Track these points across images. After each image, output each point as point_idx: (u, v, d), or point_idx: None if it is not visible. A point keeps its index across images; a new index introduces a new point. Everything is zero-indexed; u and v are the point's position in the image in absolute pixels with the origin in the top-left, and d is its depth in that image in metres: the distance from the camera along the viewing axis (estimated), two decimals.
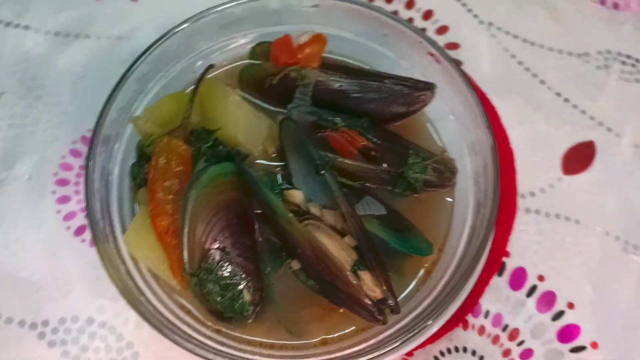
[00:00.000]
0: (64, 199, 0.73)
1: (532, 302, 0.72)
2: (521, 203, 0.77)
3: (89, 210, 0.55)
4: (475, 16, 0.88)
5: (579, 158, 0.82)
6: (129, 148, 0.63)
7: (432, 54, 0.64)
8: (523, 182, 0.79)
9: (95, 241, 0.54)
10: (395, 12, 0.87)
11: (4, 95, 0.78)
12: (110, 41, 0.82)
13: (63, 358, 0.64)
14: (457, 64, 0.67)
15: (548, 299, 0.72)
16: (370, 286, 0.53)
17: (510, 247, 0.74)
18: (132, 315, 0.64)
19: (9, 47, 0.81)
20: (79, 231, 0.71)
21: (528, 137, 0.81)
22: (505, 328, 0.70)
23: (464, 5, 0.89)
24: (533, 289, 0.73)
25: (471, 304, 0.69)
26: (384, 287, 0.54)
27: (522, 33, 0.87)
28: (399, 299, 0.59)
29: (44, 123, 0.76)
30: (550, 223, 0.77)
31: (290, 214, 0.54)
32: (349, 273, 0.53)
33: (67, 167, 0.75)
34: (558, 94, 0.85)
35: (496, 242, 0.70)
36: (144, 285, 0.55)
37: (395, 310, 0.54)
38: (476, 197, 0.62)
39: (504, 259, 0.74)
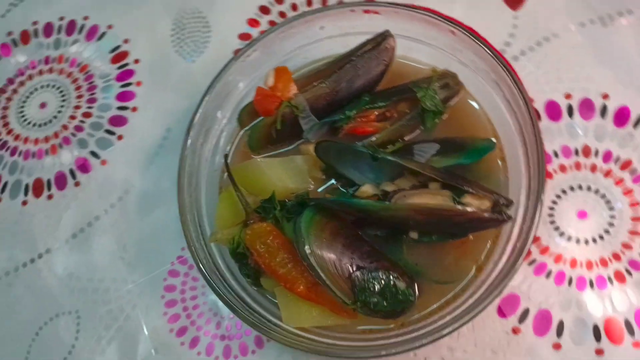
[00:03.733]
0: (195, 341, 0.77)
1: (577, 118, 0.79)
2: (507, 56, 0.84)
3: (251, 324, 0.61)
4: None
5: None
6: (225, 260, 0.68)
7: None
8: (492, 39, 0.85)
9: (272, 338, 0.60)
10: None
11: (80, 312, 0.82)
12: (117, 207, 0.86)
13: None
14: None
15: (587, 105, 0.80)
16: (477, 203, 0.60)
17: (529, 92, 0.81)
18: None
19: (49, 276, 0.85)
20: (227, 354, 0.76)
21: (467, 6, 0.87)
22: (577, 152, 0.77)
23: None
24: (570, 109, 0.80)
25: None
26: (488, 195, 0.60)
27: None
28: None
29: (128, 305, 0.80)
30: (539, 52, 0.84)
31: (384, 202, 0.60)
32: (458, 207, 0.59)
33: (176, 318, 0.79)
34: None
35: None
36: (325, 339, 0.61)
37: (509, 203, 0.61)
38: (488, 80, 0.68)
39: (533, 103, 0.80)
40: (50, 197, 0.89)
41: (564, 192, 0.76)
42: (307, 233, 0.59)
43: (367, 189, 0.64)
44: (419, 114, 0.69)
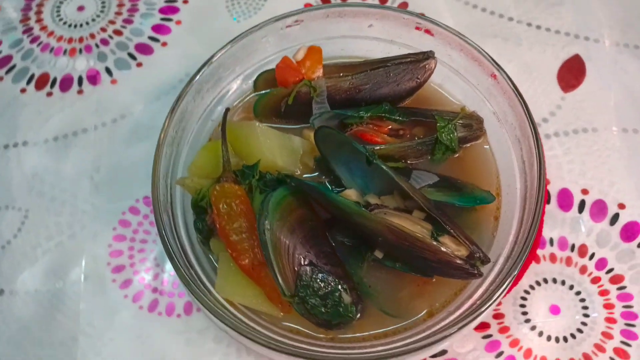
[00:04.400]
0: (127, 283, 0.74)
1: (586, 215, 0.75)
2: (540, 131, 0.81)
3: (181, 277, 0.57)
4: None
5: (572, 74, 0.86)
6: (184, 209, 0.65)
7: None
8: (532, 111, 0.83)
9: (196, 297, 0.56)
10: None
11: (30, 212, 0.79)
12: (107, 127, 0.84)
13: None
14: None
15: (600, 207, 0.76)
16: (454, 247, 0.56)
17: (548, 174, 0.78)
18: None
19: (15, 167, 0.83)
20: (152, 307, 0.72)
21: (520, 70, 0.85)
22: (572, 248, 0.73)
23: None
24: (582, 204, 0.76)
25: (538, 237, 0.72)
26: (467, 243, 0.56)
27: None
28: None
29: (78, 224, 0.77)
30: (572, 140, 0.81)
31: (362, 208, 0.57)
32: (434, 243, 0.55)
33: (118, 254, 0.76)
34: (529, 24, 0.90)
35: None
36: (249, 321, 0.57)
37: (485, 260, 0.57)
38: (511, 135, 0.66)
39: (547, 186, 0.77)
40: (49, 94, 0.88)
41: (545, 281, 0.72)
42: (274, 209, 0.56)
43: (351, 193, 0.61)
44: (432, 143, 0.66)
